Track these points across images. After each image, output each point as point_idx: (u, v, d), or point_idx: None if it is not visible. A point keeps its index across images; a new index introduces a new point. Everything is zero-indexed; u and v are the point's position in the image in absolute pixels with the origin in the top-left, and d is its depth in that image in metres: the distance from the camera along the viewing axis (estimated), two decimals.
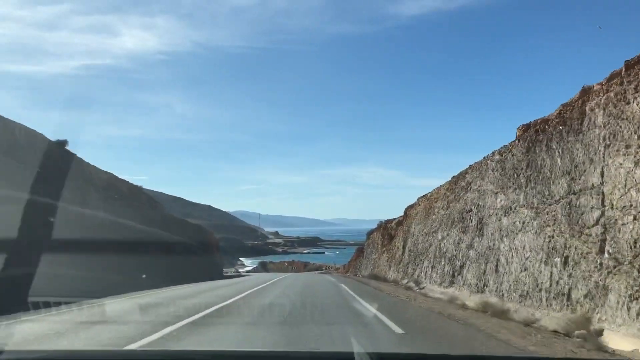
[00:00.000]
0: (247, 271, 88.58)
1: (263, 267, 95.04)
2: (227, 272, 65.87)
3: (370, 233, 38.15)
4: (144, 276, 20.24)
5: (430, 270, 18.44)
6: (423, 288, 18.19)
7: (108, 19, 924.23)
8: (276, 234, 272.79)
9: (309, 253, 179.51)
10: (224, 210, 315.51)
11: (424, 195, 22.48)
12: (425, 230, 20.63)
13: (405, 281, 21.38)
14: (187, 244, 34.36)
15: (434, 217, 19.56)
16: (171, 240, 29.99)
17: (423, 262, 19.90)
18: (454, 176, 17.79)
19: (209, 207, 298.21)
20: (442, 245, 17.45)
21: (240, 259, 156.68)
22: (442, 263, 16.97)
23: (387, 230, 30.41)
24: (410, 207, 25.06)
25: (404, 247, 24.11)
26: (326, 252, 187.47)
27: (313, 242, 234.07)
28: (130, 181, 31.74)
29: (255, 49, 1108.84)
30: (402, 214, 27.13)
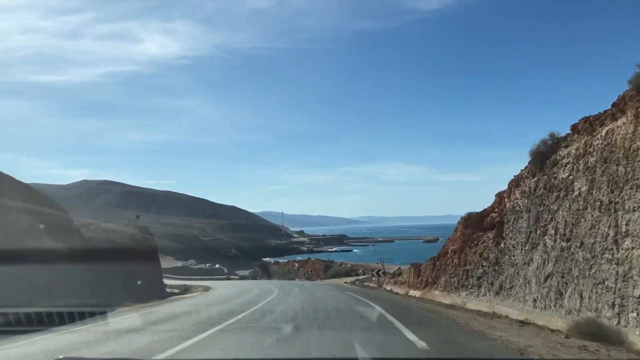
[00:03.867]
0: (243, 276, 63.58)
1: (264, 271, 68.61)
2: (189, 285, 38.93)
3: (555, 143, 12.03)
4: None
5: None
6: None
7: (129, 26, 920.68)
8: (301, 233, 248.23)
9: (335, 251, 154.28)
10: (249, 210, 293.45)
11: None
12: None
13: None
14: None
15: None
16: None
17: None
18: None
19: (234, 207, 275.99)
20: None
21: (263, 259, 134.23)
22: None
23: None
24: None
25: None
26: (354, 250, 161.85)
27: (339, 240, 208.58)
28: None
29: (275, 50, 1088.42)
30: None
